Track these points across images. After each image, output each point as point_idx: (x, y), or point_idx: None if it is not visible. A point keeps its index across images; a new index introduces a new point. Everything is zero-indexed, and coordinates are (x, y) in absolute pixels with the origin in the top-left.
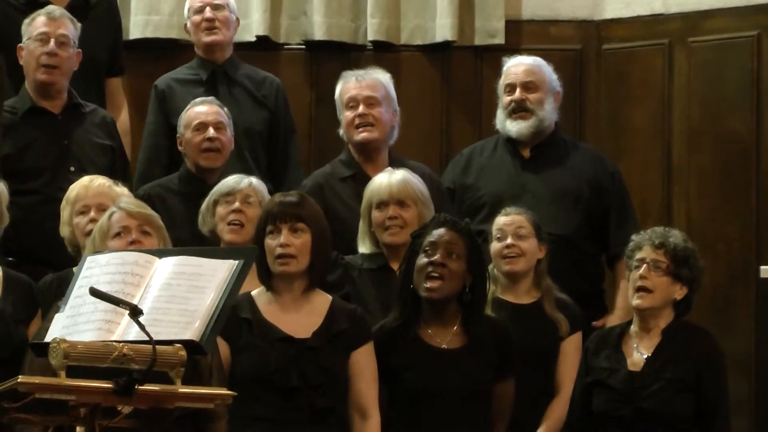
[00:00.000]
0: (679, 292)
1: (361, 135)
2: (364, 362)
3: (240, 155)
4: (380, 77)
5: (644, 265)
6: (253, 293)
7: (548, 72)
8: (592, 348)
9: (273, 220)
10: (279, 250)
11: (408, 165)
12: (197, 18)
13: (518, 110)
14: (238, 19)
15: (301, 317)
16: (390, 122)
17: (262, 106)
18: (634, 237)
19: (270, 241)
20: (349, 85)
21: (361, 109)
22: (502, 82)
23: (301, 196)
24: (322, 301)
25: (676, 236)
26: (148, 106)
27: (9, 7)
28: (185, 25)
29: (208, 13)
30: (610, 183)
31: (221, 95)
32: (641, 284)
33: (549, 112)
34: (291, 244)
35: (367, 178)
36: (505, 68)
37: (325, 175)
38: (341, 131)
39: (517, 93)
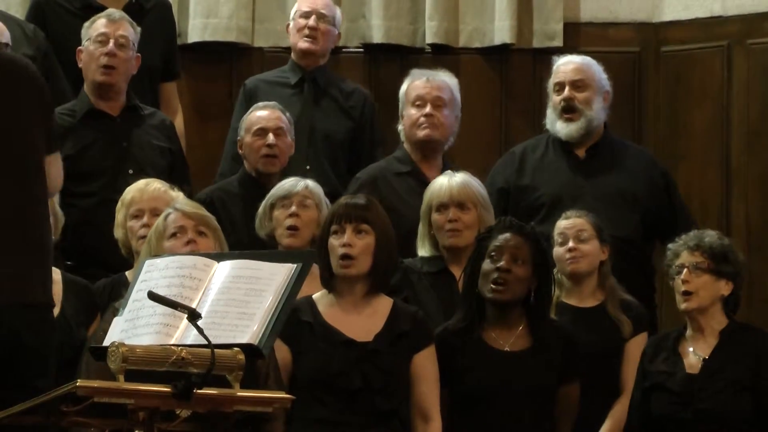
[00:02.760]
0: (725, 288)
1: (424, 132)
2: (426, 365)
3: (317, 160)
4: (449, 80)
5: (685, 270)
6: (314, 296)
7: (597, 71)
8: (650, 353)
9: (338, 220)
10: (341, 250)
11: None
12: (301, 22)
13: (567, 110)
14: (339, 33)
15: (363, 320)
16: (452, 126)
17: (346, 115)
18: (670, 246)
19: (334, 241)
20: (419, 83)
21: (428, 109)
22: (552, 80)
23: (368, 199)
24: (383, 304)
25: (710, 235)
26: (235, 105)
27: (64, 11)
28: (288, 25)
29: (312, 21)
30: (663, 182)
31: (306, 99)
32: (684, 288)
33: (597, 111)
34: (353, 244)
35: (423, 176)
36: (554, 67)
37: (381, 169)
38: (400, 127)
39: (566, 91)
